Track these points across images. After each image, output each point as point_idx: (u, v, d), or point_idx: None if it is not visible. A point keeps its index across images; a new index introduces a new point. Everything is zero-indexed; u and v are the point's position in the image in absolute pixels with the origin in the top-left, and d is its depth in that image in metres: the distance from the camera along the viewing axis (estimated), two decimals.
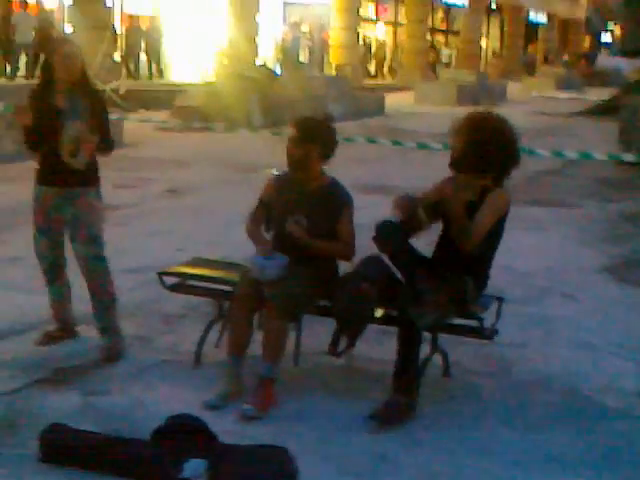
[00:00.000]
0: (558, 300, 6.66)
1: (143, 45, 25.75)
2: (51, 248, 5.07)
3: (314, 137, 4.71)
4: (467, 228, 4.37)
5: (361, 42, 35.96)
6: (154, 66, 26.17)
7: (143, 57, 26.07)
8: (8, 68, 20.57)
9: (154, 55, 26.10)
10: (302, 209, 4.72)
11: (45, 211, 4.99)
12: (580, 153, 10.23)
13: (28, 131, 4.86)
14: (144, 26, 25.94)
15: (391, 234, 4.48)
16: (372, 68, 39.30)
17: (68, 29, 23.03)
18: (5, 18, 20.72)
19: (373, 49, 39.52)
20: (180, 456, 3.64)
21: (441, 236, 4.64)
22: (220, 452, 3.74)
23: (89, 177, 4.97)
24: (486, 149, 4.47)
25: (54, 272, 5.14)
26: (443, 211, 4.48)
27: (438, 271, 4.48)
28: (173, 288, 5.14)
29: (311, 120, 4.83)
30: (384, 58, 40.39)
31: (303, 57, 32.36)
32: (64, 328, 5.24)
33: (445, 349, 4.89)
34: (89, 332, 5.22)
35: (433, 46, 42.70)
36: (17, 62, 20.48)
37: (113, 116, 12.86)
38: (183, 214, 9.32)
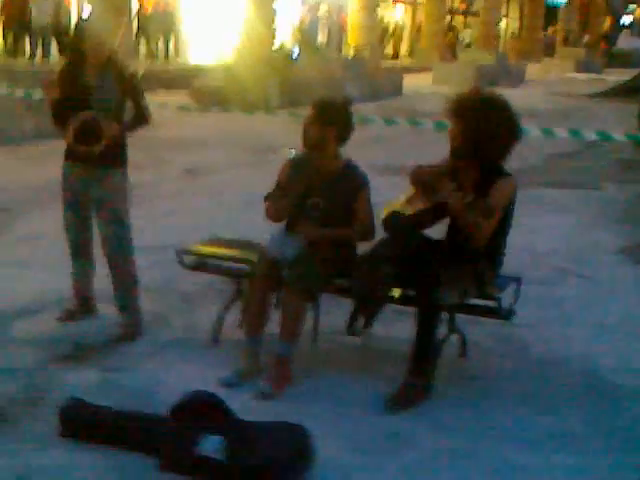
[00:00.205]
0: (575, 281, 6.66)
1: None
2: (77, 224, 5.10)
3: (331, 118, 4.70)
4: (475, 225, 4.30)
5: (379, 23, 35.75)
6: (167, 47, 26.07)
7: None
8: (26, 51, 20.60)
9: (166, 36, 25.99)
10: (319, 191, 4.73)
11: (72, 187, 5.02)
12: (598, 133, 10.16)
13: (55, 105, 4.88)
14: (160, 8, 25.84)
15: (401, 228, 4.46)
16: (390, 49, 39.13)
17: (87, 10, 23.06)
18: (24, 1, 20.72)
19: (391, 30, 39.35)
20: (197, 432, 3.66)
21: (450, 226, 4.61)
22: (237, 429, 3.76)
23: (114, 158, 4.96)
24: (494, 137, 4.39)
25: (79, 248, 5.17)
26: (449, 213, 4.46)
27: (453, 253, 4.47)
28: (191, 266, 5.16)
29: (329, 102, 4.83)
30: (401, 39, 40.20)
31: (321, 39, 32.27)
32: (84, 305, 5.28)
33: (462, 329, 4.90)
34: (108, 310, 5.25)
35: (452, 27, 42.44)
36: (36, 46, 20.49)
37: None
38: (200, 194, 9.34)
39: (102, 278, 5.23)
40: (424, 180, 4.46)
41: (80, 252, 5.18)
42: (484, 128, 4.35)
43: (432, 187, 4.39)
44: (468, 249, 4.41)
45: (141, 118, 5.06)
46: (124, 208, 5.05)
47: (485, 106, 4.44)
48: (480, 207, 4.17)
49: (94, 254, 5.23)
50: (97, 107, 4.80)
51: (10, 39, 20.65)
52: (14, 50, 20.40)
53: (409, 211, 4.43)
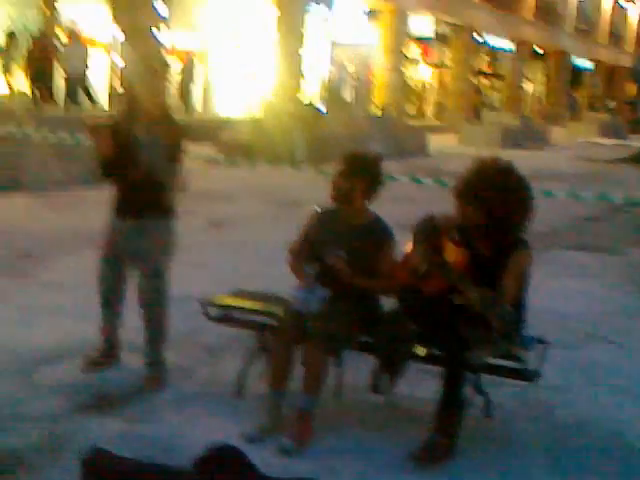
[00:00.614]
0: (602, 346, 6.60)
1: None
2: (115, 277, 5.11)
3: (361, 172, 4.73)
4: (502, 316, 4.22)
5: (405, 83, 36.12)
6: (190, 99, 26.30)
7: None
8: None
9: (189, 88, 26.21)
10: (343, 243, 4.74)
11: (115, 240, 5.04)
12: (625, 198, 10.20)
13: (105, 159, 4.87)
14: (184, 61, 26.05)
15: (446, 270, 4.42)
16: (415, 109, 39.43)
17: (121, 64, 23.43)
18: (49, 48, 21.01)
19: (416, 89, 39.70)
20: None
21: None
22: None
23: (163, 210, 5.00)
24: (511, 218, 4.36)
25: (112, 299, 5.16)
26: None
27: (476, 311, 4.43)
28: (216, 319, 5.17)
29: (359, 155, 4.86)
30: (425, 99, 40.51)
31: (348, 96, 32.60)
32: (109, 351, 5.26)
33: (487, 390, 4.86)
34: (132, 359, 5.26)
35: (478, 89, 42.78)
36: (75, 94, 20.76)
37: None
38: (225, 247, 9.38)
39: (128, 327, 5.24)
40: (431, 238, 4.45)
41: (112, 303, 5.18)
42: (501, 212, 4.30)
43: (443, 265, 4.36)
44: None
45: (177, 175, 5.08)
46: (166, 261, 5.07)
47: (500, 189, 4.33)
48: (496, 313, 4.12)
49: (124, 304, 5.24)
50: (147, 163, 4.83)
51: (35, 89, 20.90)
52: (40, 99, 20.68)
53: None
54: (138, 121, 4.92)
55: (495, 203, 4.30)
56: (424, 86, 40.58)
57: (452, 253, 4.40)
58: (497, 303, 4.12)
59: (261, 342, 5.04)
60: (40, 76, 20.40)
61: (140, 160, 4.82)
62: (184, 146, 5.11)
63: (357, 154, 4.88)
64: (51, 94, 20.68)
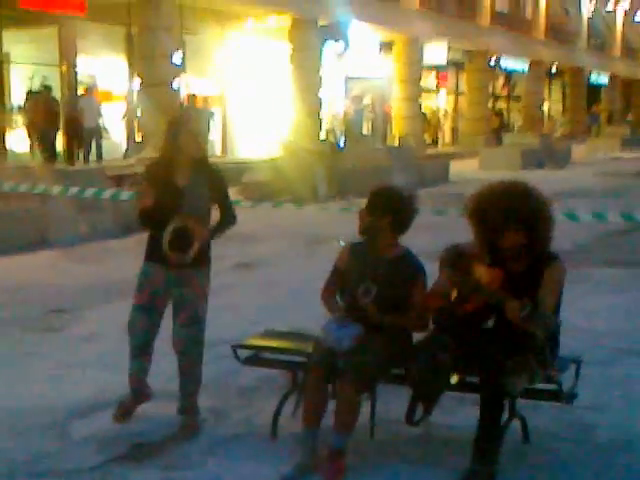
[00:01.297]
0: (636, 361, 6.52)
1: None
2: (149, 327, 5.05)
3: (384, 208, 4.72)
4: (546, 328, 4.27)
5: (422, 111, 36.21)
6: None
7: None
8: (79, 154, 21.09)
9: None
10: (373, 277, 4.72)
11: (153, 289, 4.99)
12: None
13: (147, 211, 4.84)
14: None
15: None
16: (433, 136, 39.48)
17: (138, 112, 23.71)
18: (70, 102, 21.25)
19: (429, 117, 39.74)
20: None
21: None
22: None
23: (202, 258, 4.98)
24: (549, 230, 4.45)
25: (145, 349, 5.11)
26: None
27: (509, 338, 4.40)
28: (247, 361, 5.17)
29: (385, 191, 4.84)
30: (442, 126, 40.55)
31: (366, 129, 32.70)
32: (138, 398, 5.21)
33: (523, 414, 4.81)
34: (165, 407, 5.26)
35: (498, 112, 42.79)
36: (90, 146, 21.01)
37: None
38: (254, 287, 9.40)
39: (160, 374, 5.24)
40: (459, 264, 4.44)
41: (144, 353, 5.12)
42: (541, 230, 4.41)
43: (467, 271, 4.36)
44: (521, 333, 4.35)
45: (230, 220, 5.11)
46: (204, 309, 5.06)
47: (535, 208, 4.44)
48: (537, 316, 4.12)
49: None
50: (188, 211, 4.83)
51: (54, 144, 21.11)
52: (64, 154, 20.91)
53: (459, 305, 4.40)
54: (178, 168, 4.91)
55: (534, 222, 4.38)
56: (441, 113, 40.64)
57: (484, 275, 4.38)
58: (538, 312, 4.13)
59: (293, 381, 5.03)
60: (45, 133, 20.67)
61: (187, 208, 4.82)
62: (227, 191, 5.13)
63: (381, 189, 4.86)
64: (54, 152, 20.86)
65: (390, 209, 4.72)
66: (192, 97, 24.47)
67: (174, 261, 4.84)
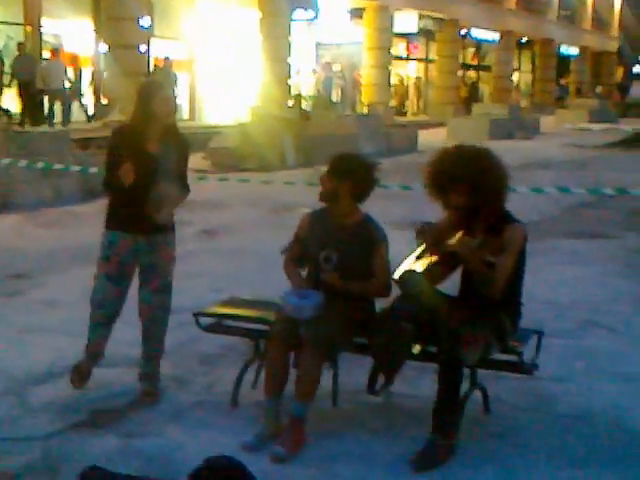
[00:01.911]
0: (600, 333, 6.56)
1: None
2: (117, 296, 4.97)
3: (345, 173, 4.68)
4: (489, 278, 4.31)
5: (392, 80, 36.11)
6: None
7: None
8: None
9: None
10: (334, 245, 4.70)
11: (121, 258, 4.90)
12: (617, 190, 10.17)
13: (117, 181, 4.73)
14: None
15: (414, 283, 4.42)
16: (403, 105, 39.42)
17: (104, 75, 23.42)
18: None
19: (396, 86, 39.63)
20: None
21: (463, 275, 4.57)
22: None
23: (168, 225, 4.95)
24: (493, 185, 4.43)
25: (111, 320, 5.03)
26: (461, 261, 4.43)
27: (470, 308, 4.41)
28: (209, 328, 5.13)
29: (346, 157, 4.81)
30: (412, 95, 40.49)
31: (335, 96, 32.58)
32: (94, 359, 5.13)
33: (484, 384, 4.82)
34: (126, 374, 5.21)
35: (467, 82, 42.78)
36: (52, 110, 20.73)
37: None
38: (219, 255, 9.34)
39: (119, 343, 5.19)
40: (432, 235, 4.44)
41: (110, 322, 5.04)
42: (483, 188, 4.36)
43: (440, 240, 4.37)
44: (485, 302, 4.36)
45: (186, 189, 5.05)
46: (171, 275, 5.02)
47: (477, 167, 4.42)
48: (489, 243, 4.16)
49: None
50: (162, 177, 4.77)
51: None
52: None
53: (420, 267, 4.39)
54: (149, 134, 4.82)
55: (478, 182, 4.35)
56: (411, 82, 40.56)
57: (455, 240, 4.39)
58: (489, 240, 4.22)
59: (255, 350, 5.00)
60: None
61: (160, 178, 4.75)
62: (188, 156, 5.08)
63: (343, 155, 4.83)
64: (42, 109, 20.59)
65: (350, 175, 4.68)
66: (166, 60, 24.23)
67: (158, 221, 4.79)
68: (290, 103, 23.11)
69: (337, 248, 4.69)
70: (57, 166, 10.44)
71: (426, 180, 4.59)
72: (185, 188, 5.05)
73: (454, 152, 4.55)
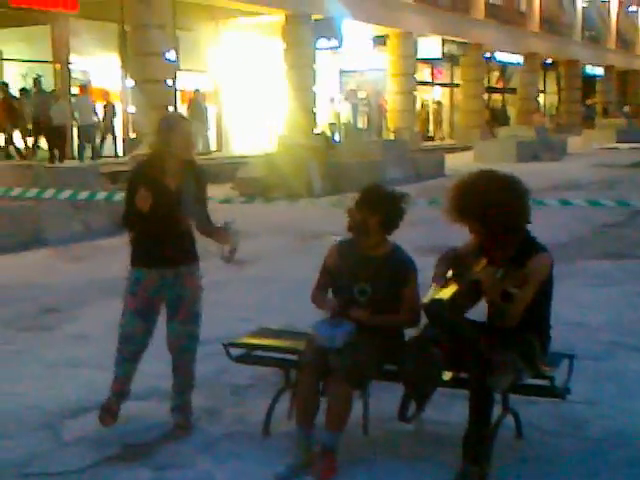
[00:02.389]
0: (631, 354, 6.49)
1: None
2: (145, 332, 4.98)
3: (375, 205, 4.68)
4: (503, 311, 4.31)
5: (418, 105, 36.19)
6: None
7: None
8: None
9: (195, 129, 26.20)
10: (366, 277, 4.71)
11: (147, 294, 4.92)
12: None
13: (136, 212, 4.77)
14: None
15: (442, 312, 4.40)
16: (429, 130, 39.48)
17: (131, 109, 23.68)
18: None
19: (418, 111, 39.69)
20: None
21: (489, 303, 4.56)
22: None
23: (193, 254, 4.99)
24: (509, 213, 4.35)
25: (138, 355, 5.04)
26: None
27: (499, 335, 4.39)
28: (239, 359, 5.14)
29: (376, 189, 4.80)
30: (438, 119, 40.51)
31: (361, 123, 32.72)
32: (120, 398, 5.13)
33: (516, 409, 4.79)
34: (156, 406, 5.23)
35: (489, 105, 42.74)
36: (82, 145, 20.95)
37: None
38: (248, 284, 9.36)
39: (147, 376, 5.20)
40: (455, 262, 4.44)
41: (136, 359, 5.05)
42: (491, 216, 4.32)
43: (465, 267, 4.36)
44: (512, 328, 4.34)
45: (211, 229, 5.07)
46: (200, 304, 5.03)
47: (480, 195, 4.38)
48: (513, 276, 4.13)
49: None
50: (184, 213, 4.81)
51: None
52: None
53: (446, 296, 4.38)
54: (169, 169, 4.84)
55: (482, 212, 4.33)
56: (436, 107, 40.60)
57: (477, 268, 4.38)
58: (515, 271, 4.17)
59: (286, 380, 5.01)
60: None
61: (179, 209, 4.79)
62: (207, 190, 5.10)
63: (372, 187, 4.82)
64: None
65: (380, 207, 4.68)
66: (197, 93, 24.55)
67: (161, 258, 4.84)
68: (317, 130, 23.27)
69: (370, 281, 4.69)
70: (82, 195, 10.54)
71: (444, 208, 4.56)
72: (209, 221, 5.07)
73: (468, 183, 4.49)
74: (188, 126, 4.95)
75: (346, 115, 31.63)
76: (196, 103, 25.09)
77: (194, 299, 4.99)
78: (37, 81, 21.02)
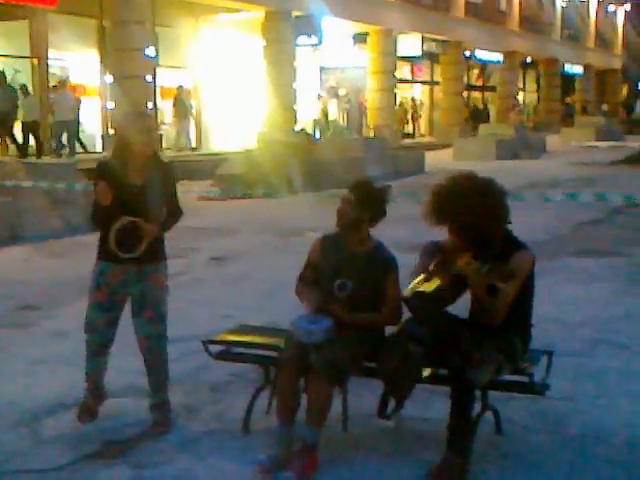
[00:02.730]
0: (610, 351, 6.53)
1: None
2: (108, 325, 4.98)
3: (369, 202, 4.70)
4: (492, 306, 4.31)
5: (397, 102, 36.23)
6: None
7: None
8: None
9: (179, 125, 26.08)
10: (348, 273, 4.71)
11: (110, 288, 4.92)
12: (626, 197, 10.19)
13: (102, 209, 4.76)
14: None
15: (424, 306, 4.41)
16: (408, 127, 39.56)
17: (110, 105, 23.56)
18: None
19: (408, 109, 39.75)
20: None
21: (473, 297, 4.55)
22: None
23: (159, 253, 4.96)
24: (477, 216, 4.32)
25: (105, 347, 5.05)
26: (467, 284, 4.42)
27: (480, 330, 4.40)
28: (219, 356, 5.12)
29: (369, 185, 4.81)
30: (417, 117, 40.58)
31: (341, 120, 32.70)
32: (97, 395, 5.14)
33: (496, 406, 4.80)
34: (134, 404, 5.21)
35: (468, 103, 42.83)
36: (59, 140, 20.82)
37: None
38: (228, 281, 9.34)
39: (123, 370, 5.18)
40: (439, 254, 4.44)
41: (103, 352, 5.07)
42: (464, 219, 4.32)
43: (448, 261, 4.36)
44: (492, 324, 4.36)
45: (177, 214, 5.05)
46: (165, 304, 5.01)
47: (455, 198, 4.38)
48: (498, 271, 4.14)
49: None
50: (143, 208, 4.78)
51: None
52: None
53: (429, 289, 4.38)
54: (132, 167, 4.83)
55: (462, 221, 4.33)
56: (416, 104, 40.68)
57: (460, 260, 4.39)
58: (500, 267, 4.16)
59: (266, 376, 5.00)
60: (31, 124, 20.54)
61: (142, 206, 4.77)
62: (176, 186, 5.07)
63: (366, 184, 4.82)
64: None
65: (372, 204, 4.71)
66: (179, 89, 24.54)
67: (121, 257, 4.78)
68: (297, 127, 23.25)
69: (351, 276, 4.69)
70: (60, 185, 10.49)
71: (422, 212, 4.54)
72: (178, 211, 5.05)
73: (446, 188, 4.48)
74: (149, 122, 4.97)
75: (334, 112, 31.58)
76: (180, 100, 25.02)
77: (159, 299, 4.95)
78: (1, 75, 20.73)
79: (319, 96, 31.31)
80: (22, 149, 20.06)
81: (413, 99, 40.81)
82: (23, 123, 20.36)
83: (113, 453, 4.66)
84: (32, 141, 20.36)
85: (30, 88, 21.58)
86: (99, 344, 5.03)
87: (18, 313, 7.95)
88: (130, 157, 4.82)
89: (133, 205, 4.75)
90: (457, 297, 4.55)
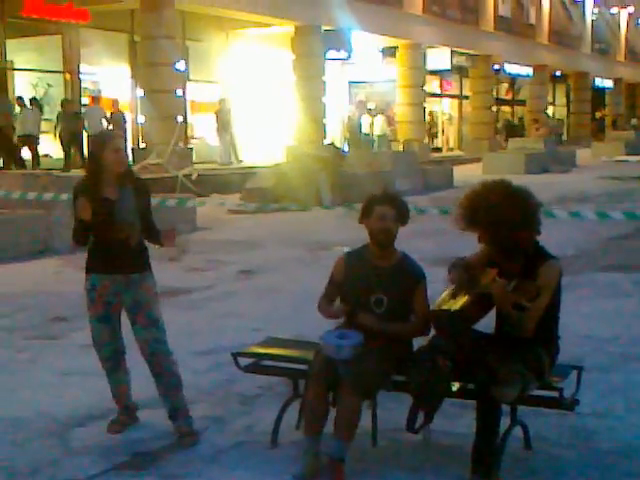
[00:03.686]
0: (639, 367, 6.48)
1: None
2: (112, 335, 5.10)
3: (406, 216, 4.78)
4: (519, 322, 4.31)
5: (426, 116, 36.18)
6: None
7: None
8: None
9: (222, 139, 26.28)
10: (381, 287, 4.72)
11: (104, 299, 5.03)
12: None
13: (82, 225, 4.93)
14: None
15: (449, 324, 4.41)
16: (437, 141, 39.51)
17: (141, 119, 23.74)
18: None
19: (438, 122, 39.68)
20: None
21: (499, 313, 4.54)
22: None
23: (145, 262, 5.06)
24: (509, 225, 4.33)
25: (117, 359, 5.15)
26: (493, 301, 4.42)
27: (506, 345, 4.39)
28: (248, 369, 5.15)
29: (401, 198, 4.85)
30: (447, 131, 40.47)
31: (370, 135, 32.69)
32: (129, 414, 5.24)
33: (525, 421, 4.78)
34: (163, 415, 5.23)
35: (498, 118, 42.64)
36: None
37: (188, 202, 13.15)
38: (257, 294, 9.38)
39: (142, 385, 5.22)
40: (466, 272, 4.44)
41: (118, 364, 5.16)
42: (496, 226, 4.33)
43: (475, 277, 4.36)
44: (520, 340, 4.34)
45: (157, 236, 5.13)
46: (158, 309, 5.09)
47: (488, 205, 4.39)
48: (525, 289, 4.13)
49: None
50: (119, 223, 4.90)
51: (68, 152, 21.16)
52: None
53: (455, 307, 4.39)
54: (105, 184, 4.95)
55: (488, 221, 4.34)
56: (445, 118, 40.62)
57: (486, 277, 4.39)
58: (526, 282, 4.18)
59: (294, 389, 5.01)
60: (73, 138, 20.80)
61: (119, 220, 4.89)
62: (150, 203, 5.18)
63: (397, 196, 4.86)
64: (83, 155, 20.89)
65: (406, 217, 4.79)
66: (222, 102, 24.70)
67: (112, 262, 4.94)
68: (327, 141, 23.25)
69: (385, 291, 4.71)
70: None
71: (454, 216, 4.58)
72: (155, 229, 5.13)
73: (480, 194, 4.49)
74: (119, 143, 5.09)
75: (347, 125, 31.49)
76: (222, 113, 25.09)
77: (150, 304, 5.03)
78: (74, 91, 21.06)
79: (349, 118, 31.15)
80: (17, 163, 20.22)
81: (446, 113, 40.65)
82: (18, 137, 20.56)
83: (142, 464, 4.70)
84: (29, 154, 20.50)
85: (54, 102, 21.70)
86: (110, 358, 5.15)
87: (48, 325, 8.02)
88: (104, 175, 4.96)
89: (110, 218, 4.88)
90: (484, 314, 4.54)
